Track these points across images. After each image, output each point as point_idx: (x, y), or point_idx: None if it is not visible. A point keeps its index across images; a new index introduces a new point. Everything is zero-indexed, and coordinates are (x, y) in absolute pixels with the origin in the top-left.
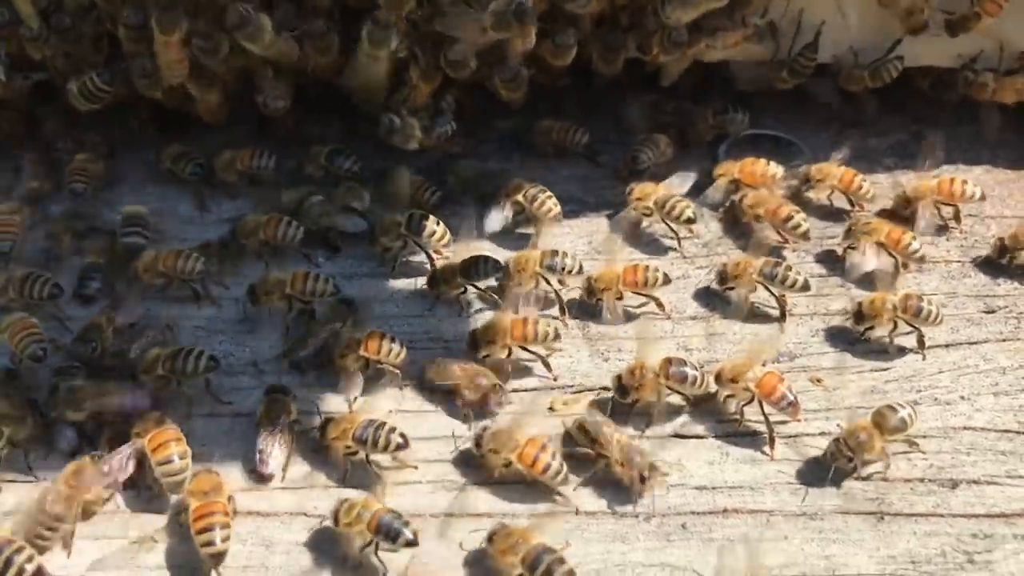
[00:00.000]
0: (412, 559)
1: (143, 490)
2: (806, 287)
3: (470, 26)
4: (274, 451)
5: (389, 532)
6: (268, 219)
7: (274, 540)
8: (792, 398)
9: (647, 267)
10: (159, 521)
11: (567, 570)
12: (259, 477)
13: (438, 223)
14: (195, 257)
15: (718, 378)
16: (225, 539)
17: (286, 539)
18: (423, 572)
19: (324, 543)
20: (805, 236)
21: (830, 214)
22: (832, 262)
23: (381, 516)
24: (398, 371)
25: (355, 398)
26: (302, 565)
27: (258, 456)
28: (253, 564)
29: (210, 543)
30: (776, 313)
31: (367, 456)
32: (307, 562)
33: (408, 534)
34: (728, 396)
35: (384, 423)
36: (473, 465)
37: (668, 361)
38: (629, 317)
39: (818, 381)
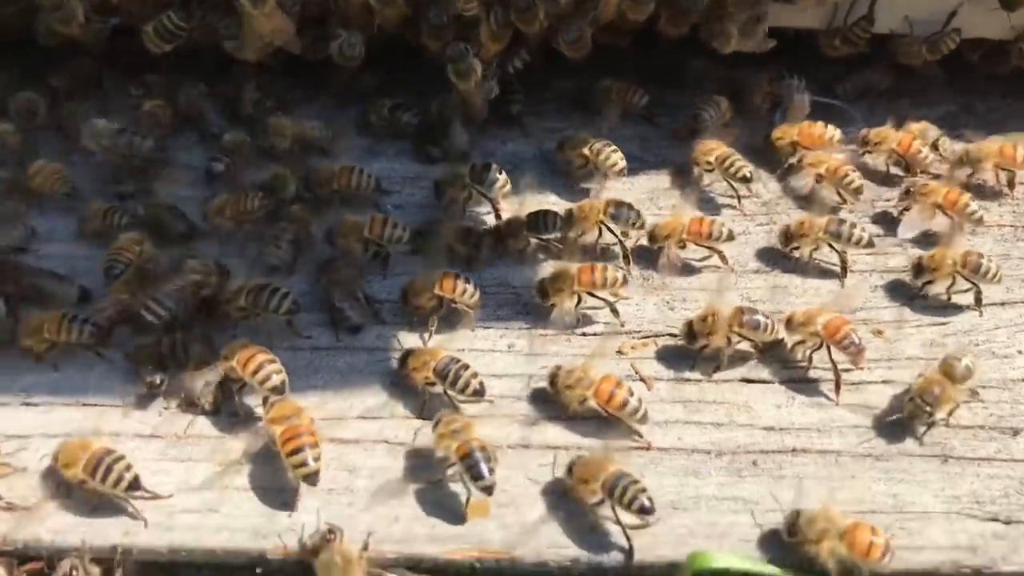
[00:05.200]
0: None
1: (228, 416)
2: (870, 244)
3: None
4: None
5: (472, 468)
6: (341, 169)
7: (357, 465)
8: (857, 341)
9: (713, 220)
10: (243, 446)
11: (640, 488)
12: None
13: (501, 172)
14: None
15: (788, 323)
16: (316, 458)
17: (369, 464)
18: (501, 499)
19: (407, 468)
20: (858, 191)
21: (884, 179)
22: (888, 223)
23: (471, 447)
24: (471, 311)
25: (429, 336)
26: (386, 488)
27: None
28: (338, 487)
29: (303, 463)
30: (836, 269)
31: (445, 391)
32: (391, 486)
33: (488, 480)
34: (797, 343)
35: (467, 365)
36: (546, 402)
37: (740, 309)
38: (692, 269)
39: (879, 333)
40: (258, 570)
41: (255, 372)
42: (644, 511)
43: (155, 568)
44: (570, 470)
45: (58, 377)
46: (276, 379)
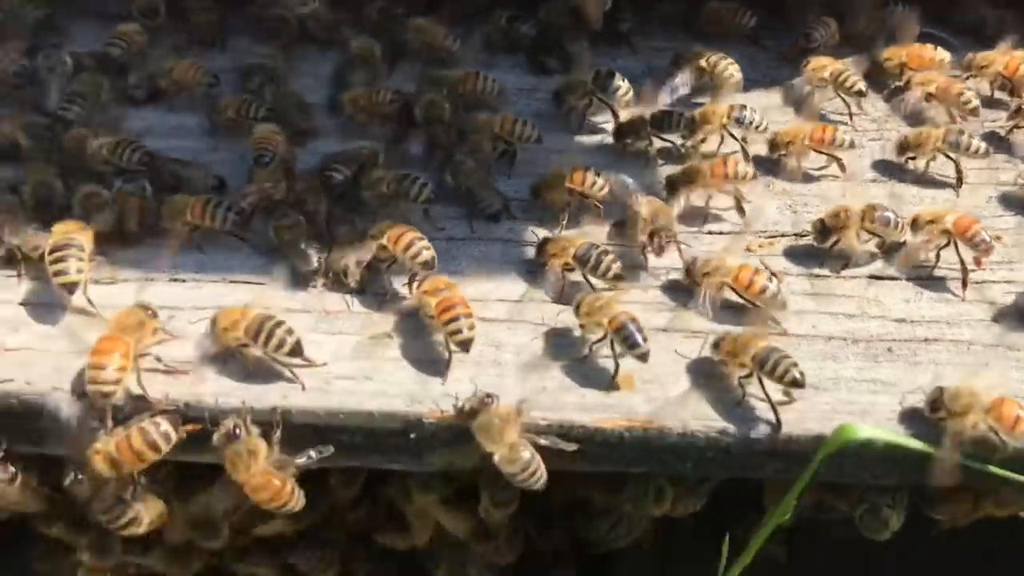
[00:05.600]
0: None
1: (373, 295)
2: (987, 153)
3: None
4: None
5: (628, 338)
6: (466, 74)
7: (503, 342)
8: (987, 238)
9: (835, 127)
10: (392, 322)
11: (792, 362)
12: None
13: (624, 79)
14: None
15: (915, 223)
16: (471, 327)
17: (514, 341)
18: (646, 376)
19: (551, 346)
20: (975, 112)
21: (989, 102)
22: (996, 142)
23: (624, 319)
24: (600, 205)
25: (561, 229)
26: (533, 362)
27: None
28: (485, 360)
29: (459, 331)
30: (950, 180)
31: (584, 275)
32: (537, 360)
33: (644, 347)
34: (923, 242)
35: (607, 250)
36: (679, 291)
37: (872, 207)
38: (810, 178)
39: (998, 238)
40: (412, 435)
41: (406, 248)
42: (795, 384)
43: (310, 430)
44: (717, 344)
45: (203, 257)
46: (427, 255)
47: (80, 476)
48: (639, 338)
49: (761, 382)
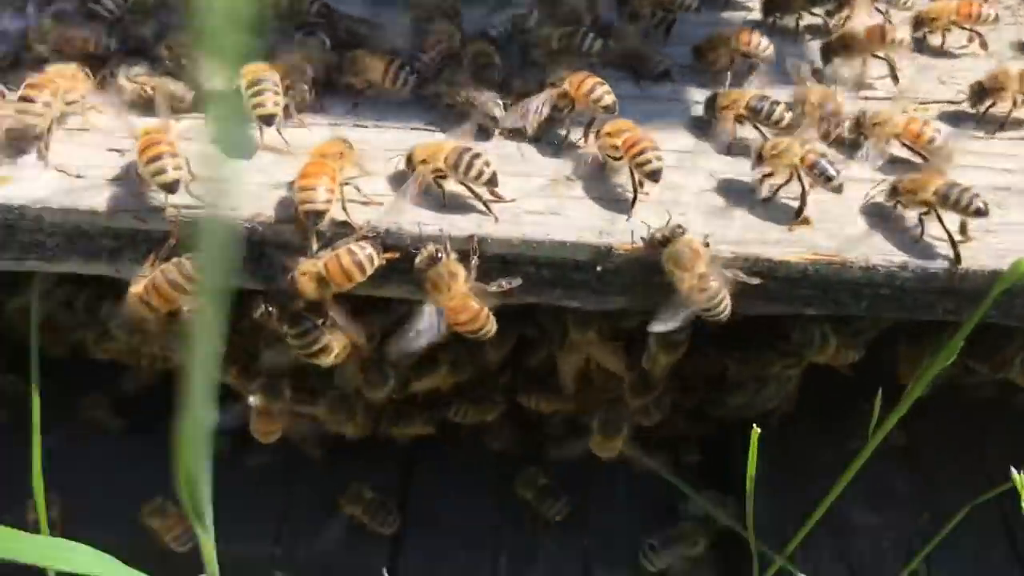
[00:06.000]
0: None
1: (552, 144)
2: None
3: None
4: None
5: (823, 171)
6: None
7: (681, 185)
8: None
9: (982, 3)
10: (571, 167)
11: (975, 193)
12: None
13: None
14: None
15: None
16: (659, 159)
17: (692, 185)
18: (823, 219)
19: (730, 191)
20: None
21: None
22: None
23: (815, 156)
24: (763, 64)
25: (726, 86)
26: (714, 203)
27: None
28: (667, 201)
29: (648, 161)
30: None
31: (756, 125)
32: (718, 201)
33: (839, 179)
34: None
35: (778, 100)
36: (843, 146)
37: None
38: (952, 55)
39: None
40: (599, 268)
41: (589, 93)
42: (979, 212)
43: (499, 261)
44: (895, 186)
45: (383, 107)
46: (608, 99)
47: (271, 309)
48: (833, 171)
49: (940, 219)
